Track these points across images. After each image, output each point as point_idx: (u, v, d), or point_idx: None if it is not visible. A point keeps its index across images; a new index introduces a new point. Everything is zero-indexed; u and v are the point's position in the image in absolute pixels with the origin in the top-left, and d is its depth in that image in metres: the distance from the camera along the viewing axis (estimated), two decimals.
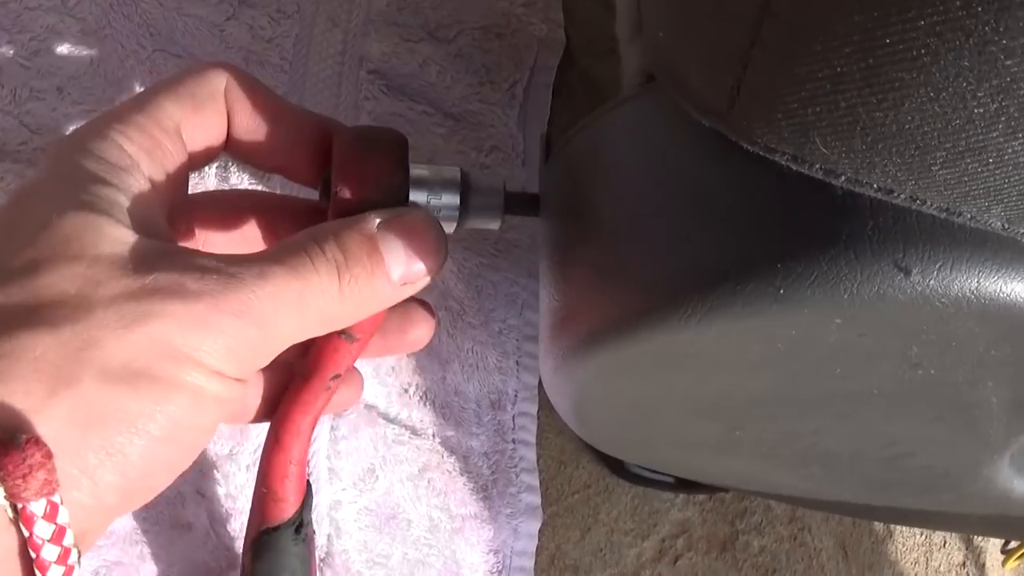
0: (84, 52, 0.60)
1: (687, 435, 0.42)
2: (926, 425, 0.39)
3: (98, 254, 0.30)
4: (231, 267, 0.31)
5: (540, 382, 0.64)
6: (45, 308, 0.28)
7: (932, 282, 0.29)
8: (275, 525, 0.42)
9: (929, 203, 0.27)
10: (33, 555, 0.27)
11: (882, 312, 0.29)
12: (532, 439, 0.64)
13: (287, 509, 0.42)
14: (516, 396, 0.64)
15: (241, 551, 0.46)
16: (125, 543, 0.55)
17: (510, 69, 0.70)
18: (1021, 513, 0.52)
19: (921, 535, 0.80)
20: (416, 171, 0.38)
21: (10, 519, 0.27)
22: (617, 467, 0.67)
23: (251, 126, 0.38)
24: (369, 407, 0.59)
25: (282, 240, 0.35)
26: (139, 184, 0.33)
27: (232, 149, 0.38)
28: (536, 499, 0.63)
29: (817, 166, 0.27)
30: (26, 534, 0.27)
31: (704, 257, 0.31)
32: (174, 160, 0.35)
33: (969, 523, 0.60)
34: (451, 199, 0.39)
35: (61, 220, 0.30)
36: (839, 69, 0.23)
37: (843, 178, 0.27)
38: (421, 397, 0.61)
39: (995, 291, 0.30)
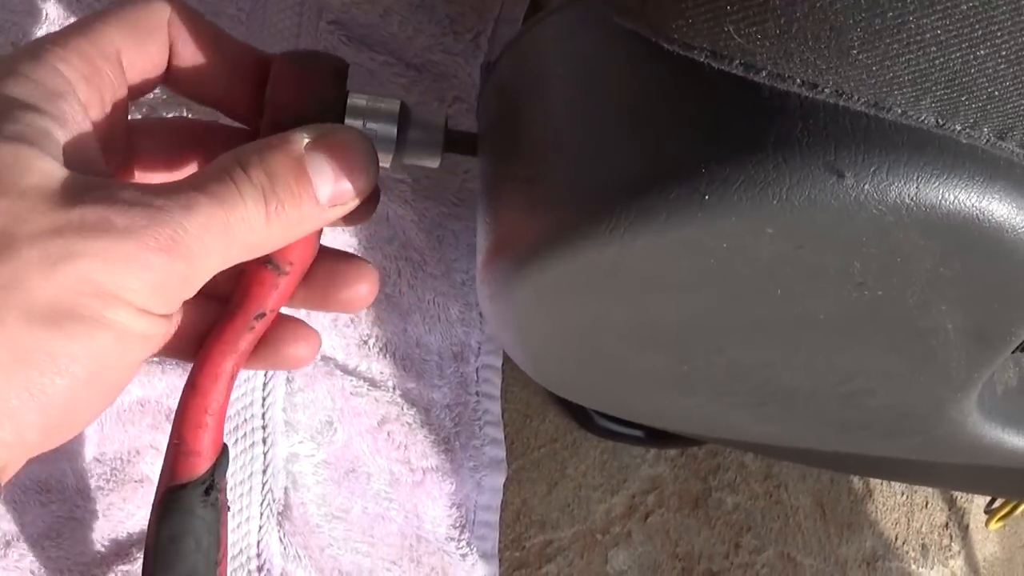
0: (39, 6, 0.59)
1: (634, 369, 0.41)
2: (880, 356, 0.38)
3: (24, 188, 0.29)
4: (157, 199, 0.30)
5: None
6: None
7: (867, 186, 0.27)
8: (183, 483, 0.38)
9: (856, 97, 0.25)
10: None
11: (816, 220, 0.28)
12: (496, 392, 0.63)
13: (199, 464, 0.38)
14: (480, 348, 0.63)
15: None
16: (79, 497, 0.53)
17: (474, 19, 0.69)
18: (996, 463, 0.51)
19: (902, 495, 0.79)
20: (354, 99, 0.37)
21: None
22: (585, 420, 0.65)
23: (192, 57, 0.37)
24: (327, 359, 0.58)
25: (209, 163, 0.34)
26: (74, 112, 0.32)
27: (172, 80, 0.37)
28: (500, 452, 0.61)
29: (736, 61, 0.25)
30: None
31: (628, 166, 0.29)
32: (113, 88, 0.34)
33: (946, 476, 0.59)
34: (388, 130, 0.37)
35: None
36: None
37: (764, 72, 0.25)
38: (381, 349, 0.60)
39: (936, 199, 0.28)
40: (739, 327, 0.36)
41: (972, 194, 0.28)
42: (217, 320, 0.38)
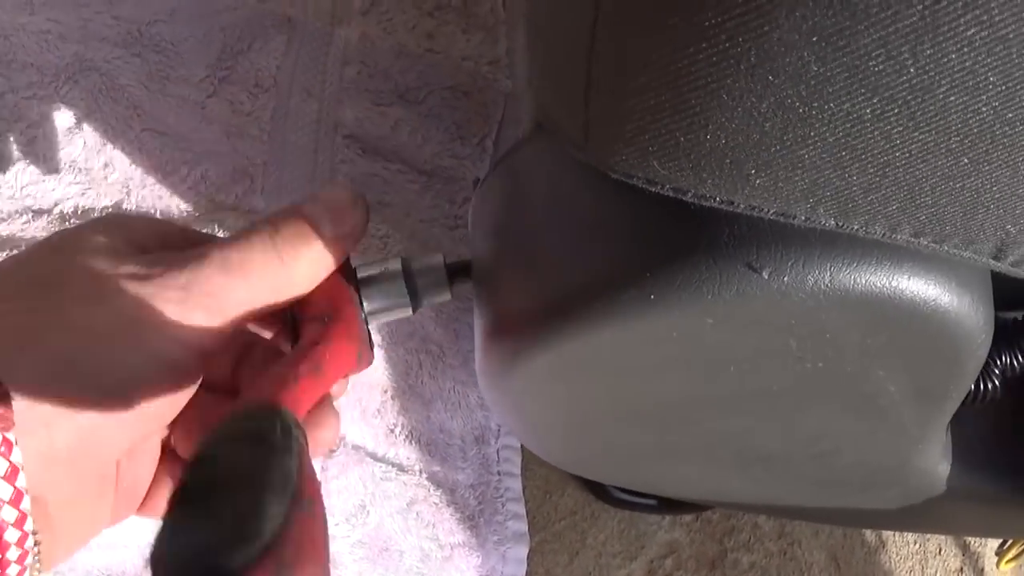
0: (77, 136, 0.65)
1: (624, 443, 0.46)
2: (837, 419, 0.42)
3: (77, 250, 0.35)
4: (174, 254, 0.36)
5: None
6: (23, 280, 0.33)
7: (787, 279, 0.33)
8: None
9: (765, 209, 0.31)
10: None
11: (747, 309, 0.33)
12: (517, 470, 0.68)
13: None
14: (499, 431, 0.68)
15: None
16: None
17: (479, 124, 0.75)
18: (977, 507, 0.55)
19: (915, 543, 0.81)
20: (361, 273, 0.42)
21: None
22: (602, 493, 0.70)
23: None
24: (357, 448, 0.63)
25: None
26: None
27: None
28: (523, 526, 0.66)
29: (666, 186, 0.31)
30: None
31: (587, 273, 0.35)
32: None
33: (939, 521, 0.62)
34: (399, 288, 0.43)
35: (50, 237, 0.36)
36: (653, 102, 0.28)
37: (689, 194, 0.31)
38: (407, 436, 0.65)
39: (850, 283, 0.33)
40: (707, 402, 0.41)
41: (882, 276, 0.33)
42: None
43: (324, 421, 0.43)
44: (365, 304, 0.42)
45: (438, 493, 0.64)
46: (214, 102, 0.69)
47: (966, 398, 0.43)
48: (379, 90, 0.72)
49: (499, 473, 0.67)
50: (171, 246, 0.39)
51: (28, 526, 0.32)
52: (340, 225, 0.39)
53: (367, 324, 0.42)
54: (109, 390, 0.33)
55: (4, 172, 0.64)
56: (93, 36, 0.69)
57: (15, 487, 0.30)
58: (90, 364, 0.32)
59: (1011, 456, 0.53)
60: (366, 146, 0.71)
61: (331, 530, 0.61)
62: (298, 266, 0.38)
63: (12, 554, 0.31)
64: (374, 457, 0.63)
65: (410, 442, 0.65)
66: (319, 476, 0.62)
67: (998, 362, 0.46)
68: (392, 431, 0.64)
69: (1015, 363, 0.46)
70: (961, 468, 0.50)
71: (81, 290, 0.33)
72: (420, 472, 0.64)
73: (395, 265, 0.43)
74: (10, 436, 0.30)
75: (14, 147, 0.64)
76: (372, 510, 0.62)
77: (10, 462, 0.30)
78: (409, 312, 0.43)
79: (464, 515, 0.65)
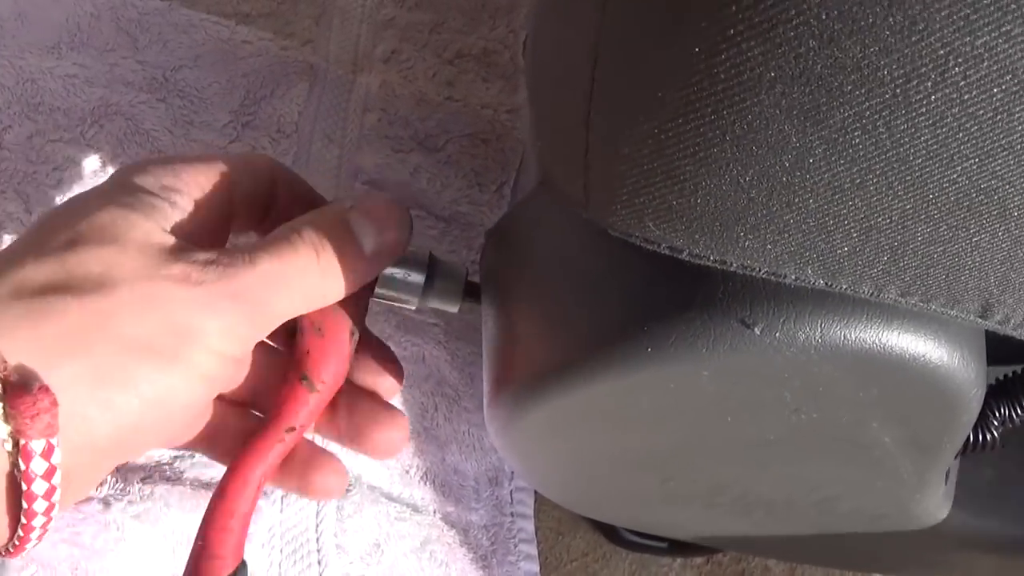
0: (102, 179, 0.67)
1: (628, 487, 0.47)
2: (835, 468, 0.43)
3: (126, 240, 0.35)
4: (227, 258, 0.36)
5: None
6: (75, 280, 0.34)
7: (778, 334, 0.34)
8: None
9: (757, 269, 0.32)
10: (24, 487, 0.32)
11: (741, 363, 0.35)
12: (529, 512, 0.69)
13: (220, 568, 0.40)
14: (512, 473, 0.69)
15: None
16: None
17: (497, 171, 0.77)
18: (982, 552, 0.56)
19: None
20: None
21: (7, 452, 0.31)
22: (613, 534, 0.71)
23: (287, 202, 0.45)
24: (372, 488, 0.65)
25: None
26: (183, 202, 0.39)
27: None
28: (534, 567, 0.67)
29: (662, 245, 0.32)
30: (22, 467, 0.31)
31: (588, 326, 0.36)
32: (219, 200, 0.41)
33: (944, 565, 0.62)
34: (417, 277, 0.44)
35: (100, 212, 0.36)
36: (646, 167, 0.29)
37: (685, 253, 0.32)
38: (422, 477, 0.66)
39: (841, 339, 0.35)
40: (706, 450, 0.42)
41: (873, 332, 0.35)
42: (252, 431, 0.42)
43: (327, 467, 0.45)
44: (377, 285, 0.43)
45: (452, 533, 0.65)
46: (237, 147, 0.71)
47: (965, 448, 0.44)
48: (399, 137, 0.74)
49: (512, 514, 0.68)
50: (211, 223, 0.41)
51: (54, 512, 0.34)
52: (382, 243, 0.41)
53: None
54: (150, 399, 0.35)
55: (31, 214, 0.66)
56: (119, 81, 0.71)
57: (50, 483, 0.33)
58: (135, 374, 0.34)
59: (1018, 503, 0.54)
60: (386, 192, 0.73)
61: (345, 568, 0.63)
62: (336, 280, 0.40)
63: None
64: (389, 497, 0.65)
65: (425, 483, 0.66)
66: (336, 515, 0.64)
67: (997, 413, 0.47)
68: (407, 472, 0.66)
69: (1014, 414, 0.47)
70: (968, 515, 0.51)
71: (131, 295, 0.34)
72: (434, 512, 0.66)
73: (423, 255, 0.45)
74: (54, 441, 0.32)
75: (40, 189, 0.66)
76: (386, 549, 0.63)
77: (50, 463, 0.32)
78: (413, 306, 0.45)
79: (477, 555, 0.66)
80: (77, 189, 0.67)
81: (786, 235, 0.30)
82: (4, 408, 0.31)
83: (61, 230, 0.35)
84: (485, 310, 0.44)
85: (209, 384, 0.37)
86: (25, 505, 0.33)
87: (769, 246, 0.30)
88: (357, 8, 0.78)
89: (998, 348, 0.39)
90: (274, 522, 0.62)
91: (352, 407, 0.45)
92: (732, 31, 0.25)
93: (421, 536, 0.65)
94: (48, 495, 0.33)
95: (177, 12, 0.74)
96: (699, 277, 0.34)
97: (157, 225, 0.37)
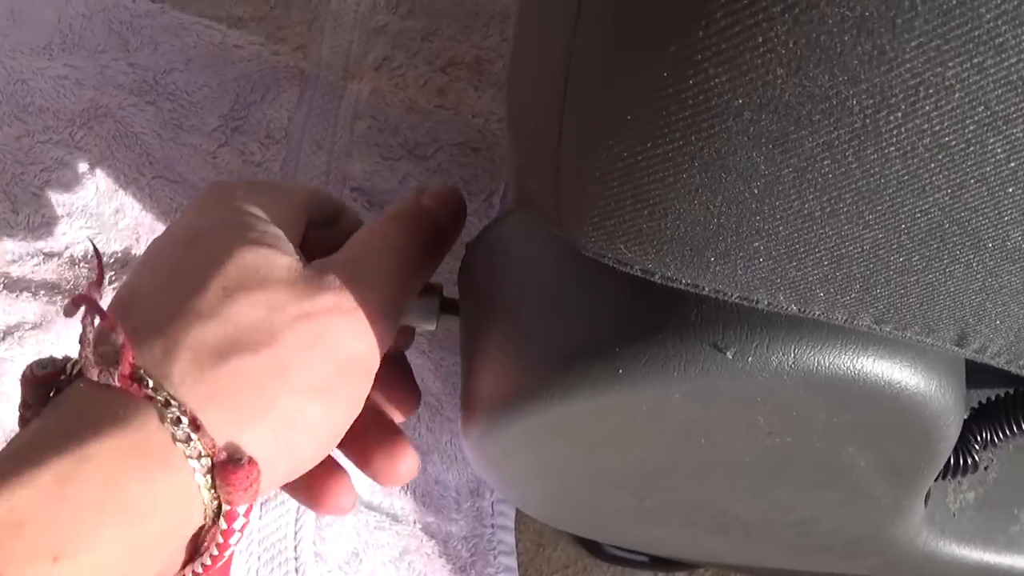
0: (89, 181, 0.67)
1: (604, 505, 0.47)
2: (811, 491, 0.43)
3: (274, 281, 0.36)
4: (364, 277, 0.38)
5: None
6: (243, 334, 0.34)
7: (751, 358, 0.34)
8: None
9: (728, 293, 0.32)
10: (221, 539, 0.34)
11: (712, 387, 0.34)
12: (510, 523, 0.69)
13: None
14: None
15: None
16: None
17: (486, 180, 0.76)
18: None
19: None
20: None
21: (210, 514, 0.33)
22: (594, 548, 0.71)
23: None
24: None
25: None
26: (291, 225, 0.40)
27: None
28: None
29: (635, 268, 0.32)
30: (224, 526, 0.33)
31: (561, 344, 0.36)
32: (301, 220, 0.42)
33: None
34: None
35: (240, 254, 0.36)
36: (616, 190, 0.29)
37: (657, 276, 0.32)
38: (403, 487, 0.66)
39: (813, 365, 0.34)
40: (680, 471, 0.42)
41: (846, 359, 0.34)
42: None
43: (400, 452, 0.45)
44: None
45: (431, 544, 0.65)
46: (225, 152, 0.70)
47: (945, 472, 0.44)
48: (388, 144, 0.74)
49: (492, 526, 0.68)
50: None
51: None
52: (454, 221, 0.44)
53: None
54: (322, 440, 0.37)
55: (18, 214, 0.66)
56: (109, 83, 0.71)
57: (240, 532, 0.35)
58: (312, 418, 0.36)
59: (999, 527, 0.54)
60: (373, 199, 0.72)
61: None
62: (432, 262, 0.43)
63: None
64: (368, 506, 0.64)
65: (405, 493, 0.66)
66: (315, 523, 0.63)
67: (979, 437, 0.47)
68: None
69: (995, 438, 0.47)
70: (949, 540, 0.51)
71: (296, 338, 0.35)
72: (414, 523, 0.65)
73: None
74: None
75: (28, 190, 0.66)
76: (365, 558, 0.63)
77: (246, 518, 0.34)
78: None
79: (456, 566, 0.65)
80: (65, 191, 0.67)
81: (756, 261, 0.30)
82: (213, 480, 0.32)
83: (208, 281, 0.35)
84: (462, 325, 0.44)
85: (361, 405, 0.39)
86: (216, 552, 0.35)
87: (740, 272, 0.30)
88: (350, 14, 0.77)
89: (979, 371, 0.39)
90: (252, 528, 0.62)
91: (366, 429, 0.45)
92: (699, 56, 0.24)
93: (400, 546, 0.64)
94: (235, 540, 0.35)
95: (169, 15, 0.74)
96: (672, 300, 0.34)
97: (291, 258, 0.38)
